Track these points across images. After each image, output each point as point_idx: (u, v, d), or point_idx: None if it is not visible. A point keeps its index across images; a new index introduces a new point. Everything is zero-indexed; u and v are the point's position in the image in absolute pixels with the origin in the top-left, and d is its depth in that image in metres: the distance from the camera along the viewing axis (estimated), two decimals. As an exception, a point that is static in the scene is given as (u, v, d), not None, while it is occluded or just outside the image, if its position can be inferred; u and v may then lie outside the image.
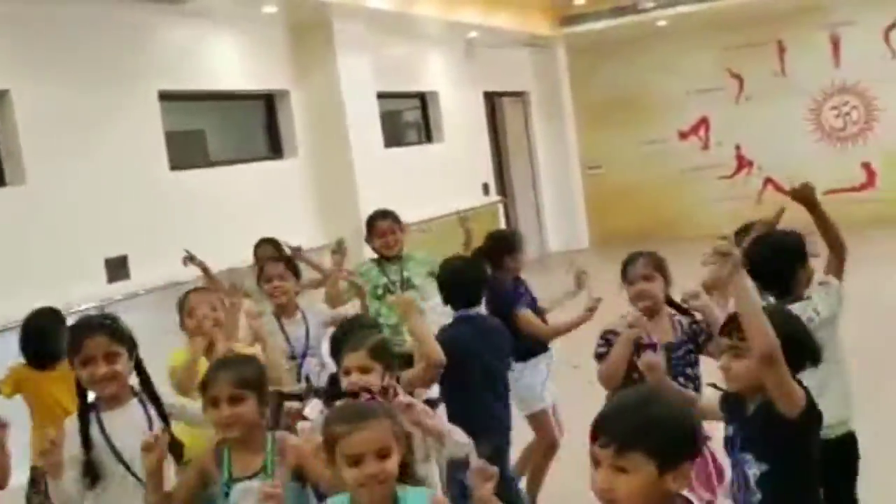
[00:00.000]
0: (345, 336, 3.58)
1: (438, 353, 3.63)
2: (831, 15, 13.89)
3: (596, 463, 1.99)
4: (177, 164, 8.06)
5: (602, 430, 1.99)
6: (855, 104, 14.13)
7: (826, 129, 14.31)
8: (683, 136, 15.00)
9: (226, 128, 9.85)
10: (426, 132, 12.24)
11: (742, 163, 14.75)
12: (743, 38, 14.29)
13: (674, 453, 1.96)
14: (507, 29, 12.50)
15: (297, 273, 4.97)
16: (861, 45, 13.82)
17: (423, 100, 12.16)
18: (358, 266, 5.67)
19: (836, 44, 14.06)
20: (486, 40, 12.72)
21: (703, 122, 14.87)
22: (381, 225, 5.53)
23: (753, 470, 2.66)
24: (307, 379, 4.53)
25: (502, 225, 12.84)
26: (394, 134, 11.44)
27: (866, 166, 13.99)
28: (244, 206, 8.51)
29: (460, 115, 12.54)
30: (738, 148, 14.71)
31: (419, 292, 5.27)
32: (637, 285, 3.76)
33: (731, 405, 2.81)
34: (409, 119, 12.57)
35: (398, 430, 2.52)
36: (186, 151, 8.56)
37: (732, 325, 2.72)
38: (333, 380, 3.50)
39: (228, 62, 8.88)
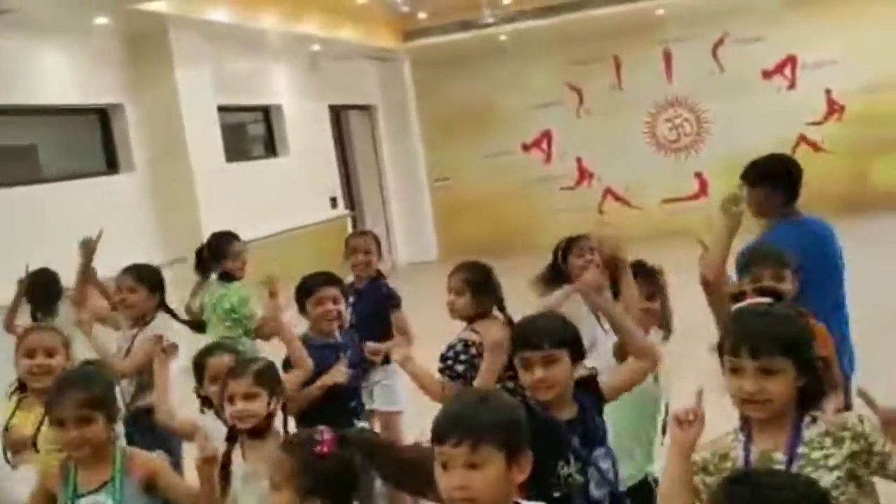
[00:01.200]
0: (203, 360, 3.50)
1: (307, 360, 3.73)
2: (664, 31, 14.50)
3: (444, 465, 2.04)
4: (6, 180, 7.69)
5: (451, 430, 2.05)
6: (687, 117, 14.79)
7: (661, 141, 14.92)
8: (527, 148, 15.33)
9: (59, 142, 9.44)
10: (271, 146, 12.07)
11: (583, 174, 15.20)
12: (581, 53, 14.74)
13: (518, 444, 2.07)
14: (351, 42, 12.48)
15: (151, 286, 4.72)
16: (692, 60, 14.49)
17: (267, 113, 11.99)
18: (204, 286, 5.54)
19: (668, 59, 14.69)
20: (331, 53, 12.67)
21: (546, 134, 15.24)
22: (235, 247, 5.45)
23: None
24: None
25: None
26: (237, 148, 11.25)
27: (699, 176, 14.65)
28: (78, 223, 8.13)
29: (306, 128, 12.43)
30: (579, 160, 15.15)
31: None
32: (449, 297, 3.82)
33: None
34: (253, 133, 12.38)
35: (304, 479, 2.39)
36: (17, 167, 8.18)
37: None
38: None
39: (59, 75, 8.52)
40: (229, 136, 10.57)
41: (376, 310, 4.94)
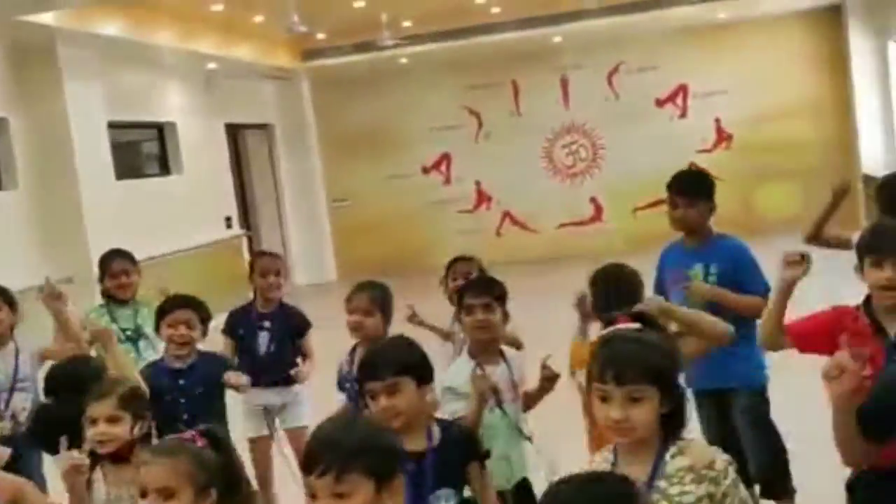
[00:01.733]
0: (67, 376, 3.36)
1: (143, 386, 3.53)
2: (561, 59, 14.77)
3: (313, 497, 2.01)
4: None
5: (316, 460, 2.02)
6: (583, 143, 15.06)
7: (558, 166, 15.15)
8: (426, 170, 15.37)
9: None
10: (164, 164, 11.80)
11: (482, 197, 15.31)
12: (481, 77, 14.89)
13: (388, 470, 2.04)
14: (248, 61, 12.31)
15: (10, 303, 4.55)
16: (588, 87, 14.78)
17: (161, 131, 11.72)
18: (87, 311, 5.30)
19: (565, 86, 14.95)
20: (228, 71, 12.47)
21: (445, 157, 15.31)
22: (115, 266, 5.22)
23: None
24: (12, 417, 4.29)
25: (246, 259, 12.53)
26: (128, 165, 10.95)
27: (594, 201, 14.91)
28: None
29: (200, 146, 12.20)
30: (477, 183, 15.25)
31: (152, 343, 5.01)
32: (353, 317, 3.79)
33: None
34: (146, 150, 12.08)
35: (199, 474, 2.33)
36: None
37: None
38: (37, 416, 3.26)
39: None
40: (120, 153, 10.31)
41: (291, 333, 4.96)
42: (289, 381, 4.89)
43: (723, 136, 14.64)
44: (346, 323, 3.86)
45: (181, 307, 4.17)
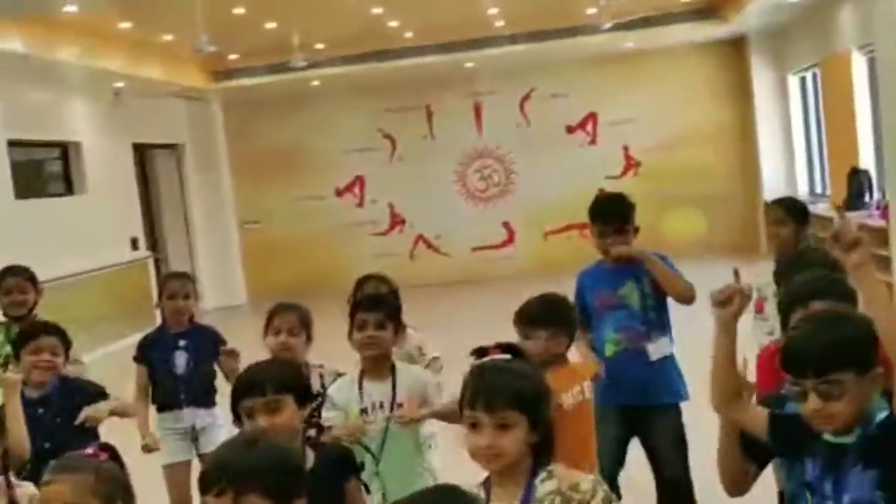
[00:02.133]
0: None
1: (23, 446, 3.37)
2: (474, 84, 14.90)
3: None
4: None
5: (213, 479, 2.00)
6: (496, 168, 15.19)
7: (471, 190, 15.24)
8: (340, 193, 15.30)
9: None
10: (68, 183, 11.48)
11: (395, 220, 15.30)
12: (395, 101, 14.91)
13: (288, 491, 2.02)
14: (158, 80, 12.09)
15: None
16: (501, 113, 14.94)
17: (65, 150, 11.42)
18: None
19: (478, 111, 15.08)
20: (136, 90, 12.23)
21: (359, 180, 15.27)
22: (9, 282, 5.02)
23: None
24: None
25: (152, 281, 12.25)
26: (29, 185, 10.63)
27: (506, 225, 15.03)
28: None
29: (106, 166, 11.93)
30: (391, 206, 15.24)
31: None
32: (280, 337, 3.72)
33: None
34: (50, 170, 11.75)
35: (104, 488, 2.28)
36: None
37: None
38: None
39: None
40: (21, 172, 10.01)
41: (208, 351, 4.77)
42: (209, 401, 4.79)
43: (631, 163, 14.94)
44: (268, 344, 3.76)
45: (45, 333, 4.02)
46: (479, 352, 2.38)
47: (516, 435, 2.17)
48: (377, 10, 10.49)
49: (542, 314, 3.40)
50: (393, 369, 3.47)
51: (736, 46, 14.38)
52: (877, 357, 2.17)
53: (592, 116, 14.96)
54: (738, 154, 14.70)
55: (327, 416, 3.39)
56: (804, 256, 3.36)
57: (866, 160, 10.74)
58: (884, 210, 9.21)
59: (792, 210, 4.25)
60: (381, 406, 3.40)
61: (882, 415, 2.19)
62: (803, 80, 13.71)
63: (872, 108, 10.44)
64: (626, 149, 14.90)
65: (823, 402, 2.12)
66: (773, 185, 14.05)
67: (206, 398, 4.79)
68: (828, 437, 2.21)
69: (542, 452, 2.24)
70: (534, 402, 2.22)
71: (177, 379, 4.72)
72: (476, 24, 12.02)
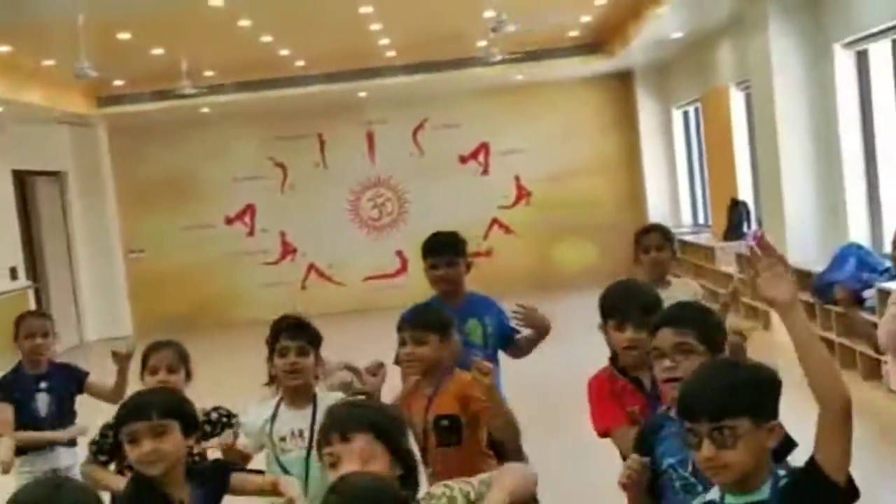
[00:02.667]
0: None
1: None
2: (366, 113, 14.91)
3: None
4: None
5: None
6: (389, 197, 15.20)
7: (364, 219, 15.20)
8: (230, 221, 15.05)
9: None
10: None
11: (287, 249, 15.13)
12: (286, 129, 14.79)
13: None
14: (39, 105, 11.68)
15: None
16: (394, 142, 14.97)
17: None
18: None
19: (371, 140, 15.09)
20: (16, 116, 11.81)
21: (249, 208, 15.06)
22: None
23: None
24: None
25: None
26: None
27: (400, 254, 15.02)
28: None
29: (-16, 193, 11.45)
30: (282, 234, 15.07)
31: None
32: (158, 376, 3.65)
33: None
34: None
35: None
36: None
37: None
38: None
39: None
40: None
41: (70, 389, 4.72)
42: (72, 441, 4.66)
43: (523, 193, 15.16)
44: (147, 385, 3.63)
45: None
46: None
47: (378, 465, 2.18)
48: (267, 39, 10.41)
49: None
50: (314, 398, 3.43)
51: (623, 80, 14.79)
52: (776, 410, 2.10)
53: (485, 147, 15.14)
54: (625, 184, 15.07)
55: (243, 442, 3.40)
56: (633, 285, 3.28)
57: (745, 192, 11.16)
58: (759, 240, 9.56)
59: (669, 236, 4.37)
60: (301, 434, 3.35)
61: (782, 472, 2.09)
62: (686, 113, 14.19)
63: (749, 142, 10.88)
64: (517, 179, 15.11)
65: (717, 451, 2.02)
66: (658, 215, 14.41)
67: (70, 439, 4.67)
68: (730, 500, 2.09)
69: (409, 486, 2.24)
70: (391, 435, 2.25)
71: (40, 422, 4.58)
72: (367, 53, 12.05)
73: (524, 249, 14.88)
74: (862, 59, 8.15)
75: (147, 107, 13.22)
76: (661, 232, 4.35)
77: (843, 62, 8.18)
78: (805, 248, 8.32)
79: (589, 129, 15.02)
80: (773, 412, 2.09)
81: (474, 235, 13.71)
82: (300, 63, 12.30)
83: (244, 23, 9.42)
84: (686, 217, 14.41)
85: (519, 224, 15.09)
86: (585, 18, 11.47)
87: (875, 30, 7.56)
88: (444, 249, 4.13)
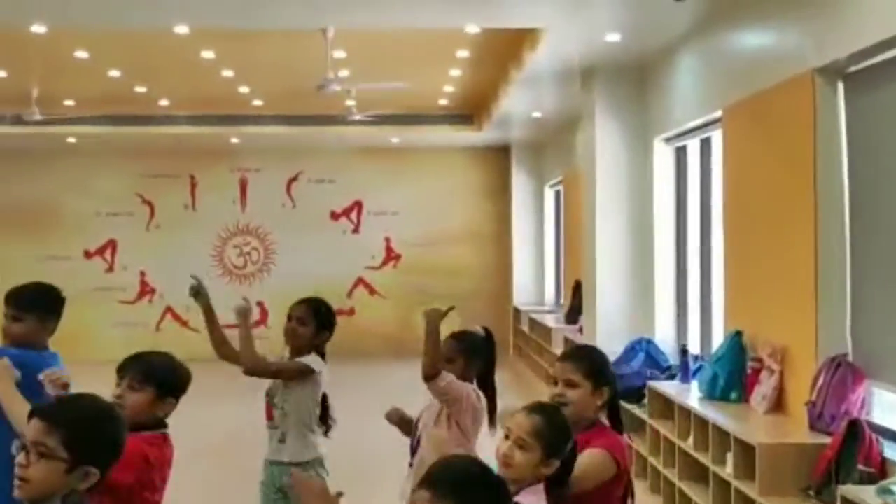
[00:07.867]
0: None
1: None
2: (239, 160, 14.75)
3: None
4: None
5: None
6: (256, 245, 14.99)
7: (228, 266, 14.95)
8: (89, 255, 14.69)
9: None
10: None
11: (145, 289, 14.79)
12: (157, 167, 14.57)
13: None
14: None
15: None
16: (266, 191, 14.83)
17: None
18: None
19: (244, 187, 14.91)
20: None
21: (111, 243, 14.72)
22: None
23: None
24: None
25: None
26: None
27: (261, 305, 14.74)
28: None
29: None
30: (142, 273, 14.74)
31: None
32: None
33: None
34: None
35: None
36: None
37: None
38: None
39: None
40: None
41: None
42: None
43: (391, 255, 15.07)
44: None
45: None
46: None
47: None
48: (114, 73, 10.21)
49: None
50: None
51: (500, 154, 14.88)
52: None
53: (358, 204, 15.07)
54: (494, 256, 15.08)
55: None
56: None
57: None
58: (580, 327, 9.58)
59: (317, 313, 4.25)
60: None
61: None
62: (558, 192, 14.28)
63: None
64: (388, 240, 15.04)
65: None
66: (523, 288, 14.47)
67: None
68: None
69: None
70: None
71: None
72: (232, 100, 11.92)
73: (386, 312, 14.75)
74: (681, 155, 8.24)
75: (3, 131, 12.83)
76: (310, 306, 4.26)
77: (663, 156, 8.27)
78: (611, 339, 8.27)
79: (463, 197, 15.05)
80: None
81: (338, 293, 13.57)
82: (164, 102, 12.11)
83: (81, 54, 9.22)
84: (549, 294, 14.42)
85: (384, 286, 14.97)
86: (448, 88, 11.51)
87: (689, 126, 7.65)
88: (15, 301, 3.88)
